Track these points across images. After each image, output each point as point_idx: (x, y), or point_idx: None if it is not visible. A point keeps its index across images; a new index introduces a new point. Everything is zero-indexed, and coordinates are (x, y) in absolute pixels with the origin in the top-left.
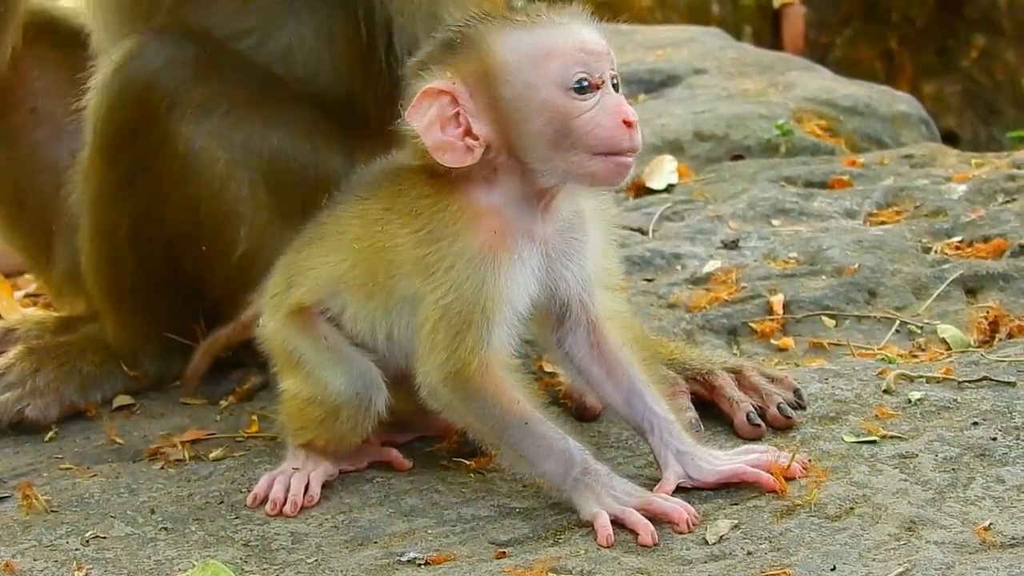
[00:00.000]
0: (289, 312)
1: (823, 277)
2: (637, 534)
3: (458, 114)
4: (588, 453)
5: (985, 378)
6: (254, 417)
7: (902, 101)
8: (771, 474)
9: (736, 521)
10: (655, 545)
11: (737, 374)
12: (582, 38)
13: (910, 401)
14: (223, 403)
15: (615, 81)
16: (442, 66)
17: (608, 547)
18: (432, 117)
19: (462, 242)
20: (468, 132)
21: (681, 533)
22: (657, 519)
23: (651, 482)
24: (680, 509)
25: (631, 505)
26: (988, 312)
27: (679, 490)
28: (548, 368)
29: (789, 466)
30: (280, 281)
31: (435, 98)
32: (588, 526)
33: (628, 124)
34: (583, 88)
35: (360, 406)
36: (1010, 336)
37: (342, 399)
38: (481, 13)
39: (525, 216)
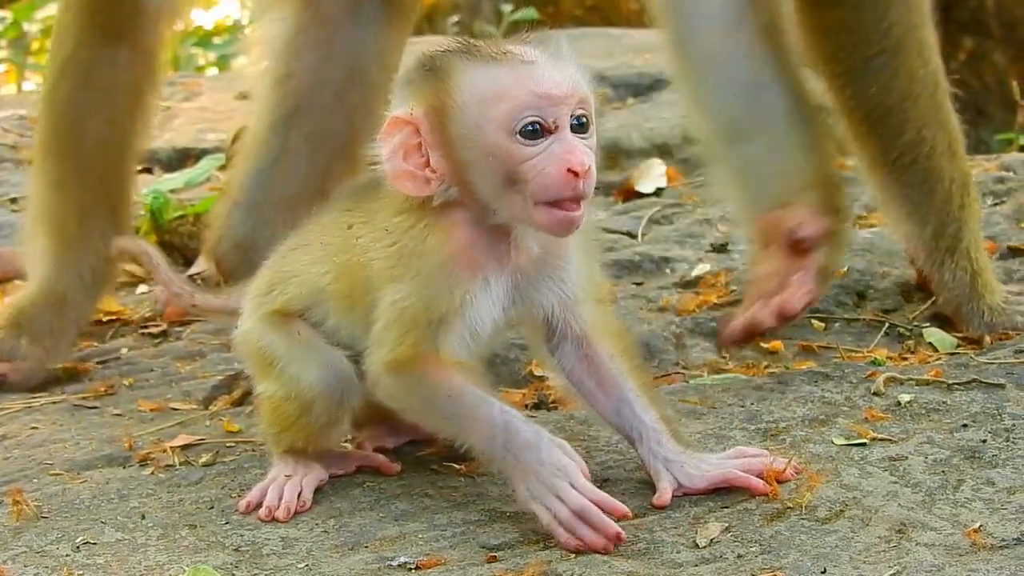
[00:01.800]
0: (268, 313)
1: None
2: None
3: (420, 144)
4: (514, 415)
5: (974, 380)
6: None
7: None
8: (761, 478)
9: (727, 524)
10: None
11: None
12: (540, 81)
13: (900, 403)
14: (213, 408)
15: (581, 120)
16: (411, 95)
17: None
18: (395, 145)
19: (428, 257)
20: (428, 163)
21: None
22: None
23: (641, 485)
24: (609, 524)
25: (568, 500)
26: None
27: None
28: (537, 372)
29: (784, 470)
30: (263, 285)
31: (400, 127)
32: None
33: (575, 173)
34: (533, 133)
35: (333, 399)
36: (998, 339)
37: (315, 391)
38: (461, 41)
39: (494, 242)
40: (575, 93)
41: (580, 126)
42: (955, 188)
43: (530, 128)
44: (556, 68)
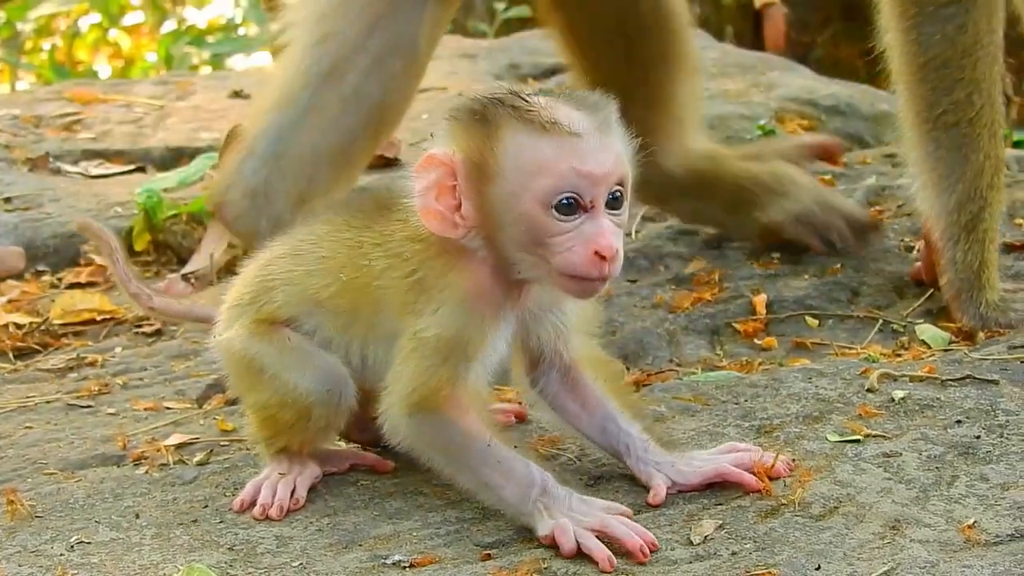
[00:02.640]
0: (252, 321)
1: (806, 277)
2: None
3: (455, 187)
4: (549, 476)
5: (968, 376)
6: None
7: (884, 100)
8: (754, 474)
9: (721, 521)
10: (612, 570)
11: None
12: (584, 158)
13: (893, 400)
14: (207, 407)
15: (616, 196)
16: (454, 137)
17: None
18: (430, 183)
19: (451, 291)
20: (459, 207)
21: (637, 562)
22: (612, 543)
23: (635, 484)
24: (634, 537)
25: (587, 527)
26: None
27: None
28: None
29: (773, 465)
30: (244, 292)
31: (437, 166)
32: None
33: (601, 257)
34: (568, 208)
35: (331, 402)
36: (991, 335)
37: (313, 397)
38: (513, 91)
39: (510, 283)
40: (616, 172)
41: (614, 201)
42: (988, 165)
43: (566, 203)
44: (601, 144)
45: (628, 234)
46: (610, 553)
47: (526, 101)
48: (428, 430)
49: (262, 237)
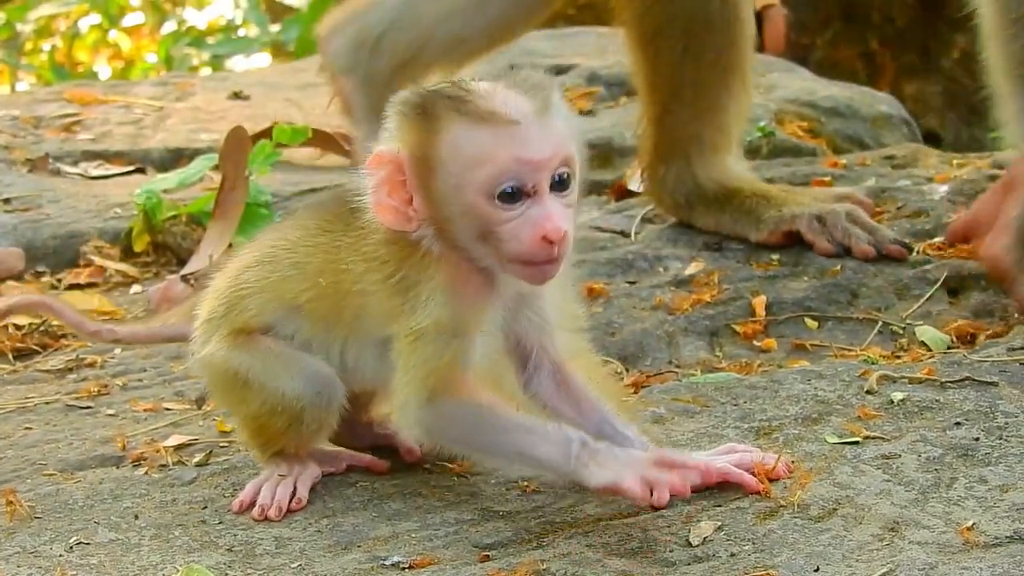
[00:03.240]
0: (229, 333)
1: (805, 279)
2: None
3: (404, 182)
4: (583, 432)
5: (967, 378)
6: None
7: (883, 102)
8: (753, 473)
9: (719, 523)
10: (684, 491)
11: None
12: (523, 145)
13: (892, 402)
14: (206, 408)
15: (563, 178)
16: (401, 130)
17: (659, 506)
18: (381, 179)
19: (437, 280)
20: (411, 201)
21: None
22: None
23: None
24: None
25: (644, 461)
26: (963, 325)
27: None
28: None
29: (775, 467)
30: (217, 305)
31: (385, 163)
32: (572, 527)
33: (548, 240)
34: (511, 196)
35: (321, 404)
36: (990, 338)
37: (304, 401)
38: (454, 82)
39: (485, 272)
40: (558, 154)
41: (561, 183)
42: None
43: (508, 192)
44: (541, 129)
45: (627, 235)
46: (677, 479)
47: (465, 91)
48: (448, 415)
49: (348, 84)
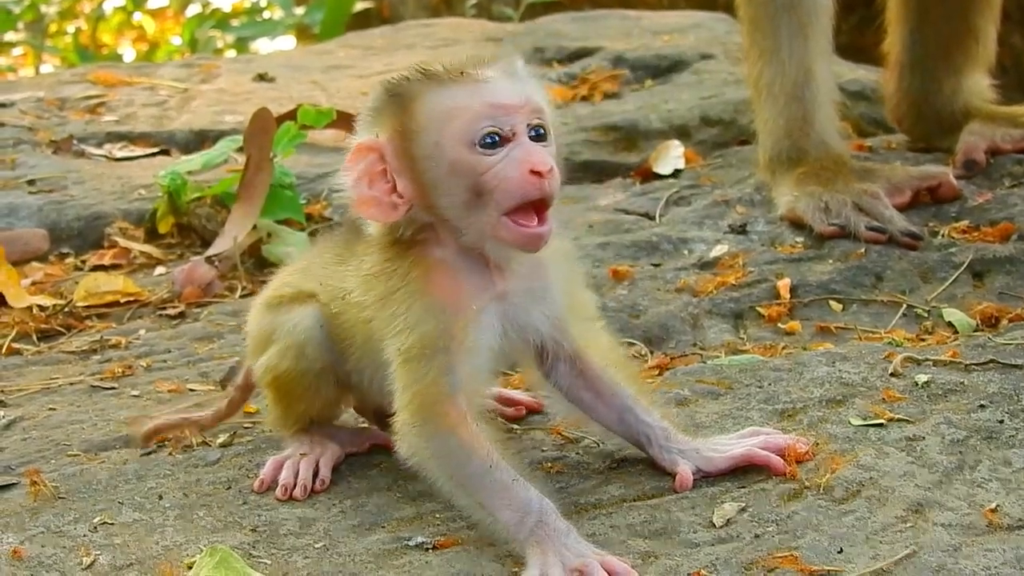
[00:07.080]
0: (264, 300)
1: (830, 261)
2: None
3: (385, 170)
4: (549, 505)
5: (992, 361)
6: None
7: None
8: (780, 456)
9: (743, 504)
10: None
11: None
12: (493, 93)
13: (917, 384)
14: (230, 388)
15: (539, 131)
16: (375, 122)
17: None
18: (361, 172)
19: (418, 294)
20: (394, 189)
21: None
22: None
23: (659, 471)
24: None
25: (573, 567)
26: (987, 308)
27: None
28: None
29: (805, 450)
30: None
31: (365, 154)
32: (596, 508)
33: (537, 174)
34: (491, 143)
35: (320, 342)
36: (1013, 321)
37: (305, 334)
38: (418, 68)
39: (478, 271)
40: (529, 102)
41: (538, 136)
42: None
43: (488, 139)
44: (510, 82)
45: (652, 218)
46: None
47: (433, 67)
48: (429, 443)
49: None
